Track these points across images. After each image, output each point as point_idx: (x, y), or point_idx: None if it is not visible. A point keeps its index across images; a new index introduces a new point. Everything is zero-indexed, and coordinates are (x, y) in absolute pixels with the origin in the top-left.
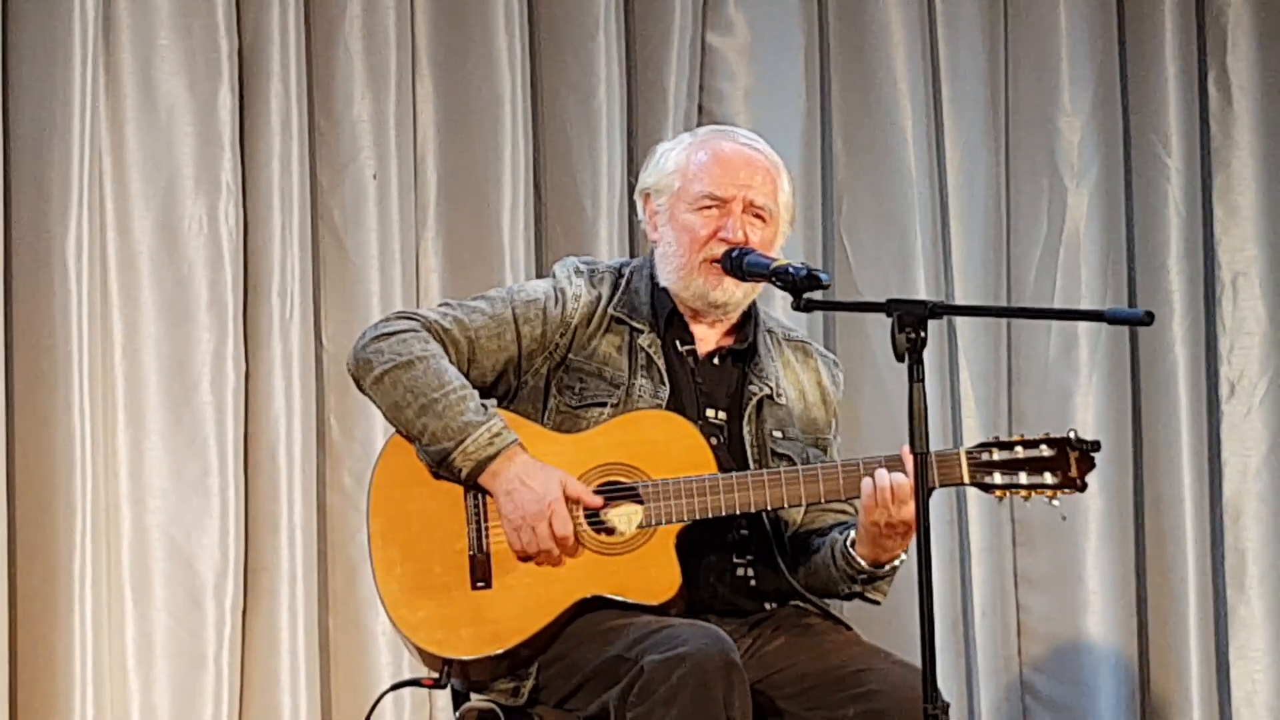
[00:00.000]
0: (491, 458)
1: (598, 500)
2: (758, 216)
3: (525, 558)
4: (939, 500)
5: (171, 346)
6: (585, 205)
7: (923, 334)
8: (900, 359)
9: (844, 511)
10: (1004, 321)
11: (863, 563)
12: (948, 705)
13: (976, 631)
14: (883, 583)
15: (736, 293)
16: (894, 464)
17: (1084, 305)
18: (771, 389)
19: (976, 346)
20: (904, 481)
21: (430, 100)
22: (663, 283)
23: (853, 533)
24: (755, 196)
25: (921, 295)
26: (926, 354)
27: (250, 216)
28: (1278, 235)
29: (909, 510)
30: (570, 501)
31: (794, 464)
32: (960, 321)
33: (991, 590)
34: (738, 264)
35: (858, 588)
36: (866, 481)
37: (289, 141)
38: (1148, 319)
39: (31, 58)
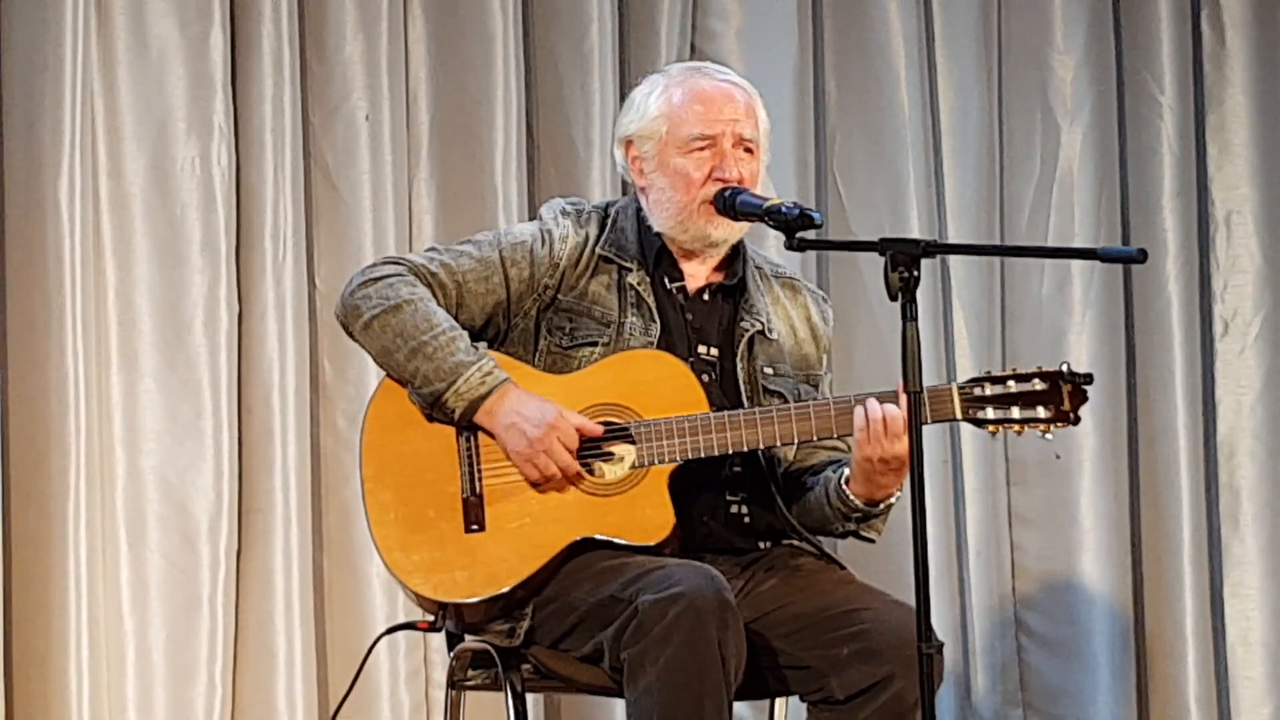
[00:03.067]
0: (484, 396)
1: (597, 429)
2: (747, 150)
3: (539, 484)
4: (933, 439)
5: (164, 289)
6: (578, 145)
7: (915, 273)
8: (893, 298)
9: (836, 449)
10: (997, 260)
11: (857, 501)
12: (942, 644)
13: (971, 571)
14: (878, 520)
15: (733, 230)
16: (886, 398)
17: (1077, 243)
18: (763, 325)
19: (970, 285)
20: (897, 414)
21: (422, 40)
22: (657, 228)
23: (847, 470)
24: (742, 129)
25: (915, 234)
26: (920, 293)
27: (242, 158)
28: (1271, 172)
29: (902, 445)
30: None
31: (786, 401)
32: (954, 260)
33: (986, 529)
34: (730, 204)
35: (852, 526)
36: (859, 414)
37: (281, 83)
38: (1141, 257)
39: (22, 0)
